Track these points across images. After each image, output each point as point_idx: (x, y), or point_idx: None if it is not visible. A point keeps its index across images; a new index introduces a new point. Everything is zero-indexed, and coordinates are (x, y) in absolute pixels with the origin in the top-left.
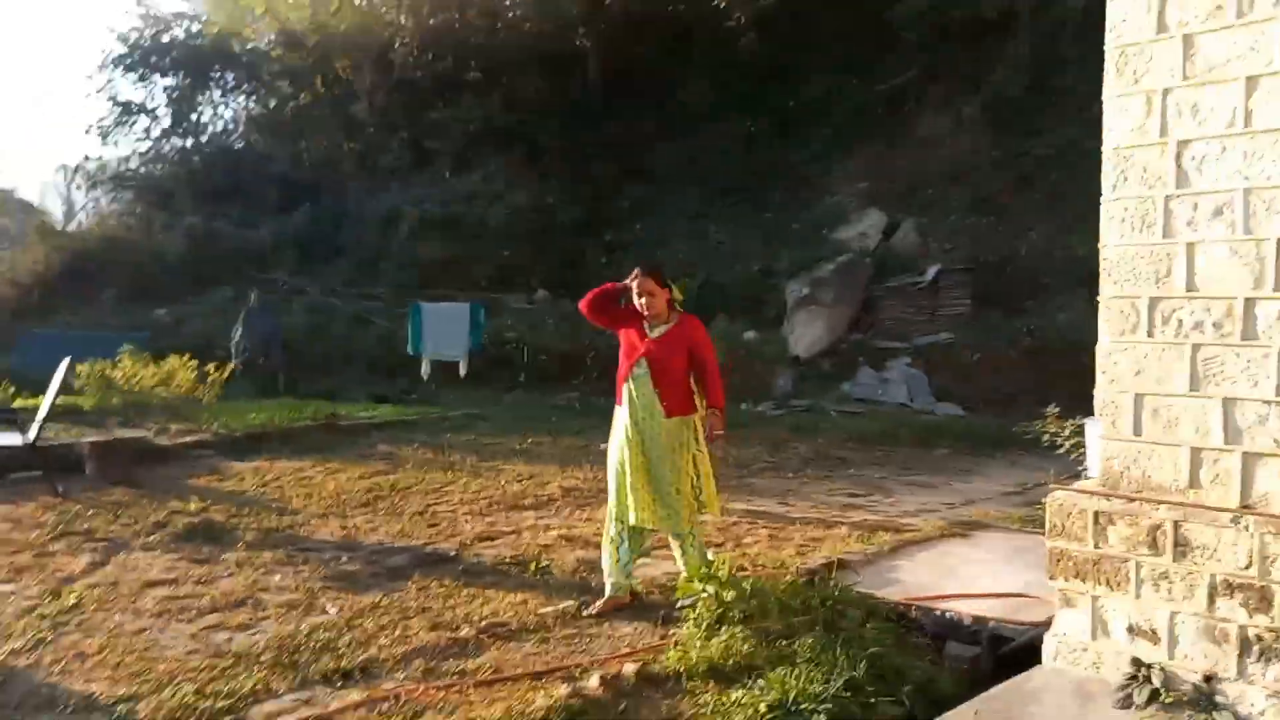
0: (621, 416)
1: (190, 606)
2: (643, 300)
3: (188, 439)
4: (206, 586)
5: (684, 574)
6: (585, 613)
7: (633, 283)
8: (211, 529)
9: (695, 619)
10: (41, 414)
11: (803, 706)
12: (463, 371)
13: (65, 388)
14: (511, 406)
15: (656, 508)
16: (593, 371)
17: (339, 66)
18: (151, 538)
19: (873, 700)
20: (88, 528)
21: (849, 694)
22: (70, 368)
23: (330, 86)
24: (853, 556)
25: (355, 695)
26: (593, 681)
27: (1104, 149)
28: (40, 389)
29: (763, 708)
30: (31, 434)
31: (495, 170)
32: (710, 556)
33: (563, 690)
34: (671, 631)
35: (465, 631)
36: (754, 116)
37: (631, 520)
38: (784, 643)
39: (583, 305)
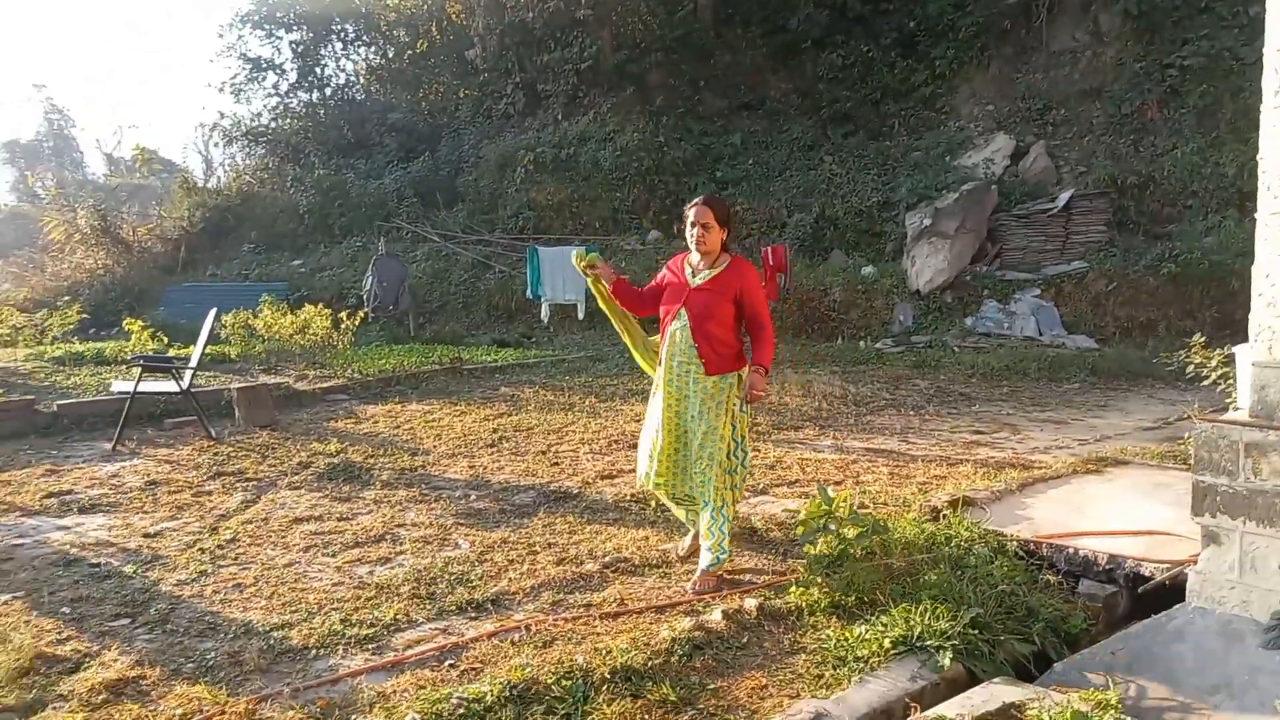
0: (659, 374)
1: (334, 541)
2: (695, 231)
3: (325, 384)
4: (348, 523)
5: (708, 565)
6: (677, 554)
7: (690, 210)
8: (350, 469)
9: (816, 556)
10: (194, 362)
11: (928, 643)
12: (580, 314)
13: (213, 337)
14: (626, 348)
15: (680, 473)
16: None
17: (452, 12)
18: (296, 477)
19: (1001, 637)
20: (239, 468)
21: (976, 631)
22: (216, 318)
23: (445, 33)
24: (979, 494)
25: (488, 625)
26: (715, 615)
27: (1265, 51)
28: (189, 339)
29: (886, 643)
30: (185, 381)
31: (606, 110)
32: (830, 494)
33: (686, 623)
34: (792, 567)
35: (590, 566)
36: (871, 39)
37: (645, 485)
38: (908, 580)
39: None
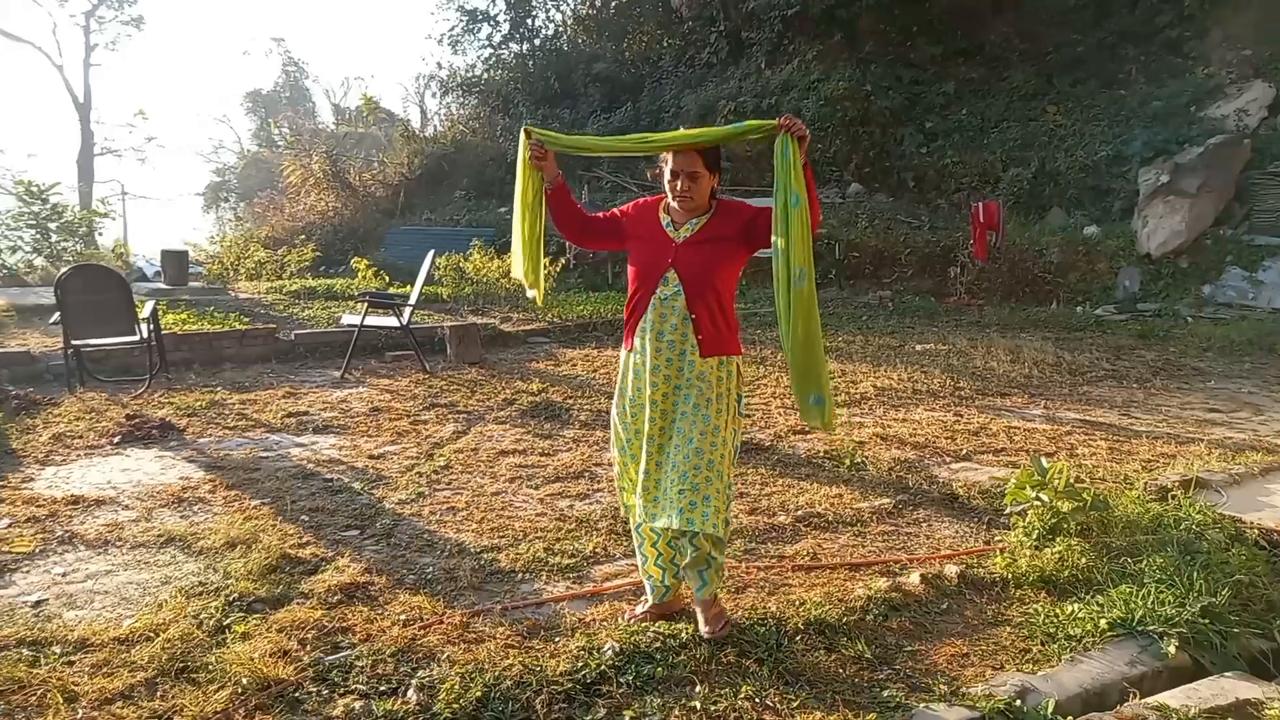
0: (631, 364)
1: (536, 474)
2: (679, 183)
3: (528, 326)
4: (549, 458)
5: (704, 591)
6: (625, 619)
7: (671, 155)
8: (551, 408)
9: (1025, 527)
10: (413, 300)
11: (1150, 628)
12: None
13: (428, 278)
14: (821, 304)
15: (676, 496)
16: (906, 270)
17: None
18: (502, 412)
19: (1235, 630)
20: (450, 401)
21: (1206, 620)
22: (432, 260)
23: None
24: (1213, 476)
25: None
26: (913, 578)
27: None
28: (406, 278)
29: (1103, 624)
30: (405, 317)
31: (811, 58)
32: (1044, 464)
33: (882, 583)
34: (997, 537)
35: (782, 518)
36: None
37: (638, 517)
38: (1128, 560)
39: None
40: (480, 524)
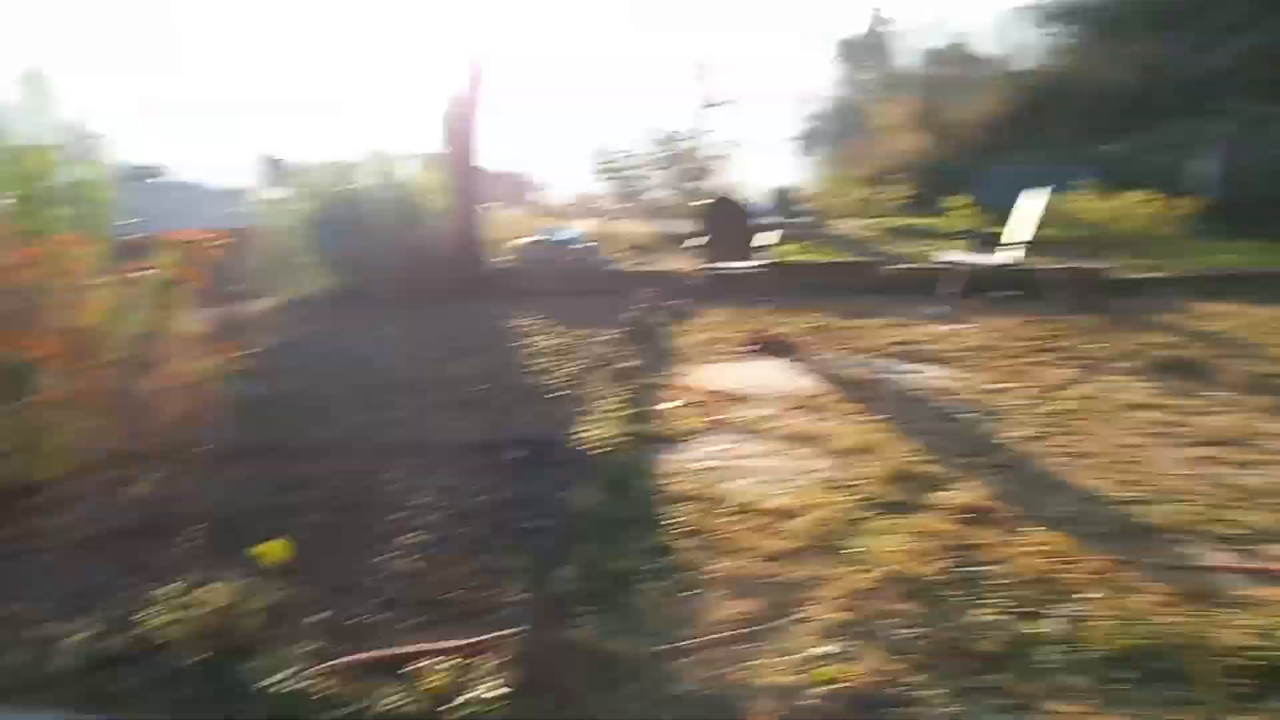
0: None
1: (1174, 434)
2: None
3: (1148, 275)
4: (1188, 418)
5: None
6: None
7: None
8: (1184, 364)
9: None
10: (1018, 239)
11: None
12: None
13: (1031, 219)
14: None
15: None
16: None
17: None
18: (1124, 364)
19: None
20: (1064, 346)
21: None
22: (1035, 200)
23: None
24: None
25: None
26: None
27: None
28: (999, 219)
29: None
30: (1010, 257)
31: None
32: None
33: None
34: None
35: None
36: None
37: None
38: None
39: None
40: (1108, 473)
